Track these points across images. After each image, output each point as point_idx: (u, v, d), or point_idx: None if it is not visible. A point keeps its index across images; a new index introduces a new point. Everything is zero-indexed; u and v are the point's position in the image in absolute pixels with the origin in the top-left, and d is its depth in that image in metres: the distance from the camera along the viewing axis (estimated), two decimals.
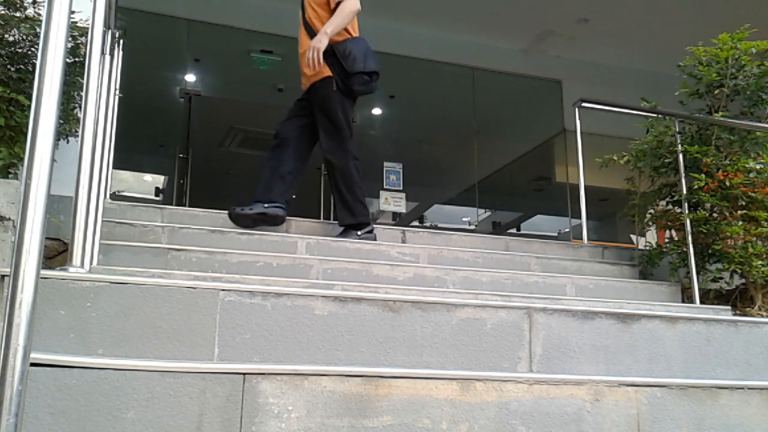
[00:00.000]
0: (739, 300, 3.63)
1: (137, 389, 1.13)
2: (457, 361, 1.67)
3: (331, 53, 3.24)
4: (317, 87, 3.30)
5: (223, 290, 1.53)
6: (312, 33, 3.28)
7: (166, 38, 7.11)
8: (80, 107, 2.90)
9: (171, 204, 6.86)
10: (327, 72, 3.26)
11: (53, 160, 0.92)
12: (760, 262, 3.42)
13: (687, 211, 3.65)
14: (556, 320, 1.78)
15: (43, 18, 0.95)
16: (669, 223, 3.90)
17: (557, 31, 7.62)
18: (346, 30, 3.31)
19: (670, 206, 3.95)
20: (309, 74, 3.31)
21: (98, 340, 1.43)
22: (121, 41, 3.26)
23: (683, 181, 3.69)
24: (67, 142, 3.10)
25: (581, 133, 4.47)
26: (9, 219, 2.24)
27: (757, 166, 3.62)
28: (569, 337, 1.77)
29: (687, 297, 3.53)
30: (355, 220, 3.25)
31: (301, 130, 3.39)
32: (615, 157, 4.03)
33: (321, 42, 3.14)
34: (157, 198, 8.15)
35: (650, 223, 4.14)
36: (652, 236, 4.51)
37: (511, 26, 7.50)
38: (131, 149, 7.50)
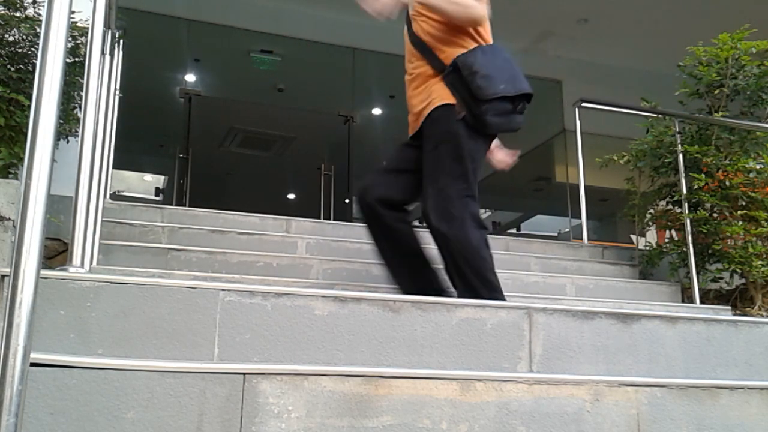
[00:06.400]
0: (739, 300, 3.63)
1: (137, 389, 1.13)
2: (457, 361, 1.67)
3: (453, 69, 2.23)
4: (433, 119, 2.26)
5: (223, 290, 1.53)
6: (424, 48, 2.34)
7: (166, 38, 7.11)
8: (80, 107, 2.90)
9: (171, 204, 6.86)
10: (447, 97, 2.23)
11: (53, 160, 0.92)
12: (760, 262, 3.42)
13: (687, 211, 3.65)
14: (556, 320, 1.78)
15: (43, 18, 0.95)
16: (669, 223, 3.90)
17: (557, 31, 7.61)
18: (471, 36, 2.30)
19: (670, 206, 3.95)
20: (416, 104, 2.35)
21: (98, 340, 1.43)
22: (121, 41, 3.26)
23: (683, 181, 3.69)
24: (67, 142, 3.10)
25: (581, 133, 4.47)
26: (9, 219, 2.24)
27: (757, 166, 3.63)
28: (569, 337, 1.77)
29: (687, 297, 3.54)
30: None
31: (390, 191, 2.34)
32: (615, 157, 4.03)
33: None
34: (157, 198, 8.17)
35: (650, 223, 4.14)
36: (652, 236, 4.51)
37: (511, 26, 7.49)
38: (131, 149, 7.52)
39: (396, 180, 2.35)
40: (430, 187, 2.21)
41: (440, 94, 2.25)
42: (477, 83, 2.14)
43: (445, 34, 2.30)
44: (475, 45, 2.28)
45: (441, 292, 2.27)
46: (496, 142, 2.54)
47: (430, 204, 2.19)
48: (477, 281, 2.14)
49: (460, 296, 2.17)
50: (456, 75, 2.21)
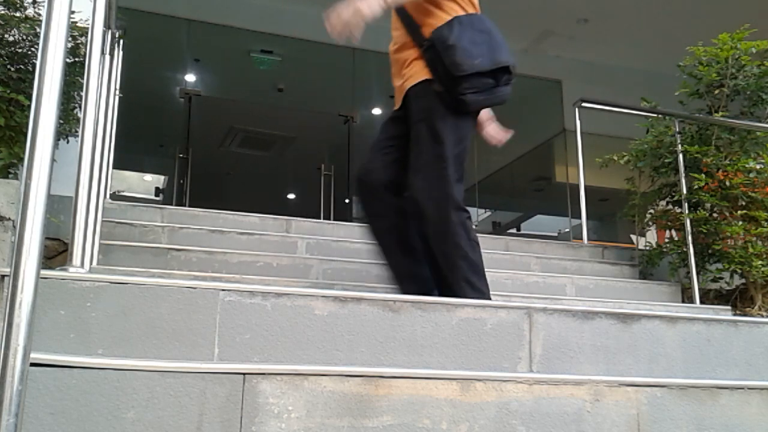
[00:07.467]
0: (739, 300, 3.63)
1: (137, 389, 1.13)
2: (457, 361, 1.67)
3: (431, 44, 2.08)
4: (413, 95, 2.15)
5: (223, 290, 1.53)
6: (405, 17, 2.17)
7: (166, 38, 7.11)
8: (80, 107, 2.91)
9: (171, 204, 6.86)
10: (425, 73, 2.10)
11: (53, 160, 0.92)
12: (760, 262, 3.42)
13: (687, 211, 3.65)
14: (556, 320, 1.78)
15: (43, 18, 0.95)
16: (669, 223, 3.91)
17: (557, 31, 7.61)
18: (448, 5, 2.13)
19: (670, 206, 3.95)
20: (396, 72, 2.21)
21: (98, 340, 1.43)
22: (121, 41, 3.26)
23: (683, 181, 3.69)
24: (67, 142, 3.10)
25: (581, 133, 4.47)
26: (9, 219, 2.24)
27: (757, 166, 3.63)
28: (569, 337, 1.77)
29: (687, 297, 3.54)
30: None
31: (391, 173, 2.20)
32: (615, 157, 4.03)
33: (369, 4, 1.89)
34: (157, 198, 8.16)
35: (650, 223, 4.14)
36: (652, 236, 4.51)
37: (511, 26, 7.45)
38: (131, 149, 7.51)
39: (388, 158, 2.23)
40: (416, 161, 2.11)
41: (418, 71, 2.14)
42: (451, 59, 2.00)
43: (422, 2, 2.14)
44: (451, 15, 2.11)
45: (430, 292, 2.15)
46: (488, 114, 2.44)
47: (414, 179, 2.10)
48: (452, 276, 2.03)
49: (440, 294, 2.08)
50: (434, 51, 2.06)
